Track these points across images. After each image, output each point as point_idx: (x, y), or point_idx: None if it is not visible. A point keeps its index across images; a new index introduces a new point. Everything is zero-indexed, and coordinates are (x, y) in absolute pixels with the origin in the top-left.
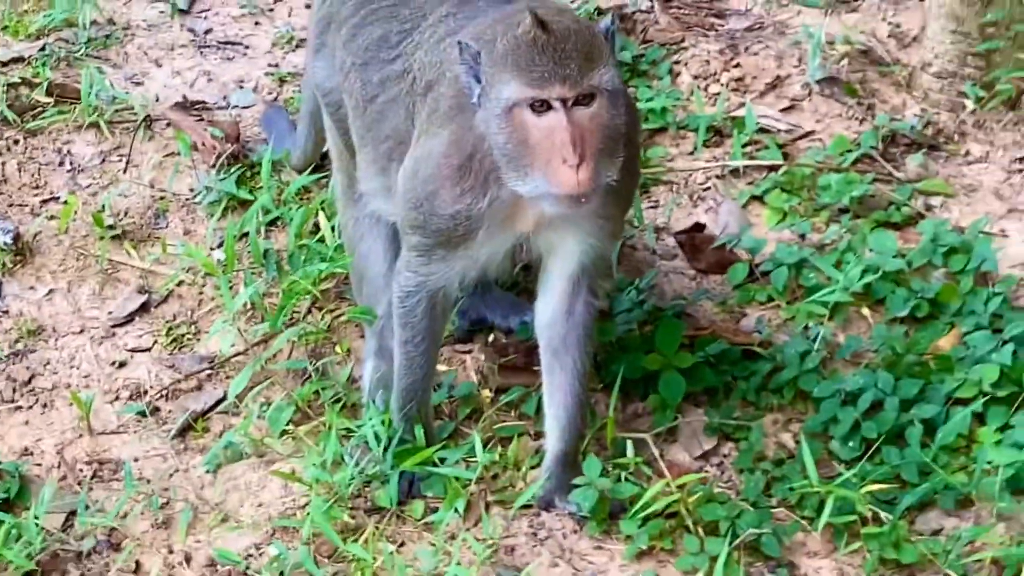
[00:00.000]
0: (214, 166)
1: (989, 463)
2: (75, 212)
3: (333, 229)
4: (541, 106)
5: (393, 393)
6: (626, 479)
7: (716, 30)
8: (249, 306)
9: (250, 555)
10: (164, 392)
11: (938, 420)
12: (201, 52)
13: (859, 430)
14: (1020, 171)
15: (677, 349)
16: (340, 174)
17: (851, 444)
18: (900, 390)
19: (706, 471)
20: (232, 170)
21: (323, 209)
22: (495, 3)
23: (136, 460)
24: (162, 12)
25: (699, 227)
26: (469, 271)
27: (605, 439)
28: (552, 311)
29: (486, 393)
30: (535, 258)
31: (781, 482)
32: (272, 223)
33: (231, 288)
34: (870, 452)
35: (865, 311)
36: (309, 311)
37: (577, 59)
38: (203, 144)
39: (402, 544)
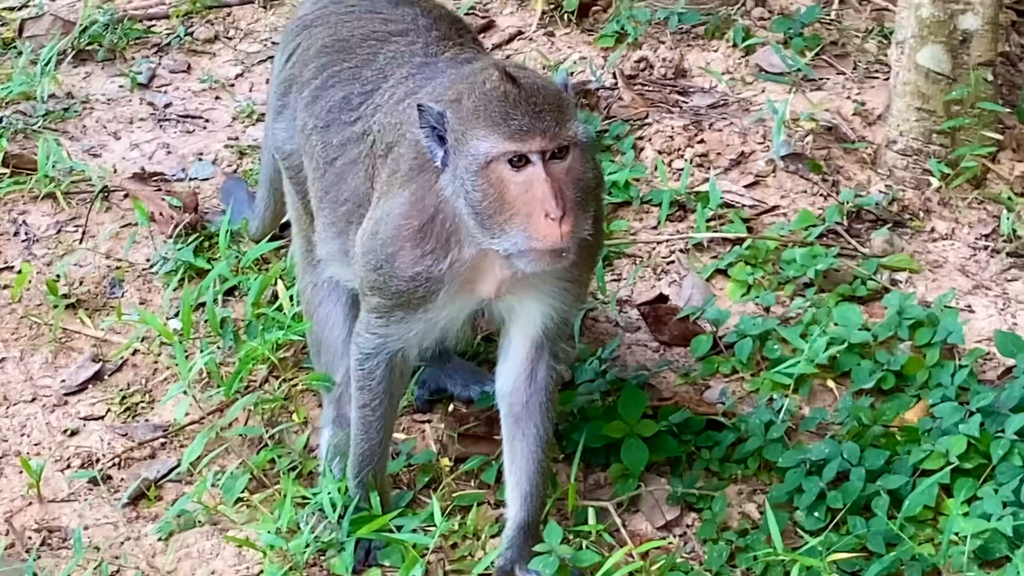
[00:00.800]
0: (171, 236)
1: (956, 534)
2: (29, 281)
3: (292, 298)
4: (519, 160)
5: (349, 458)
6: (588, 547)
7: (680, 107)
8: (205, 374)
9: None
10: (116, 460)
11: (904, 491)
12: (160, 125)
13: (824, 500)
14: (985, 248)
15: (640, 418)
16: (299, 239)
17: (816, 514)
18: (866, 460)
19: (669, 541)
20: (190, 240)
21: (281, 278)
22: (454, 64)
23: (87, 528)
24: (121, 86)
25: (662, 299)
26: (429, 334)
27: (566, 507)
28: (514, 376)
29: (445, 462)
30: (497, 324)
31: (745, 552)
32: (230, 292)
33: (187, 357)
34: (835, 522)
35: (830, 383)
36: (266, 379)
37: (552, 112)
38: (160, 214)
39: None
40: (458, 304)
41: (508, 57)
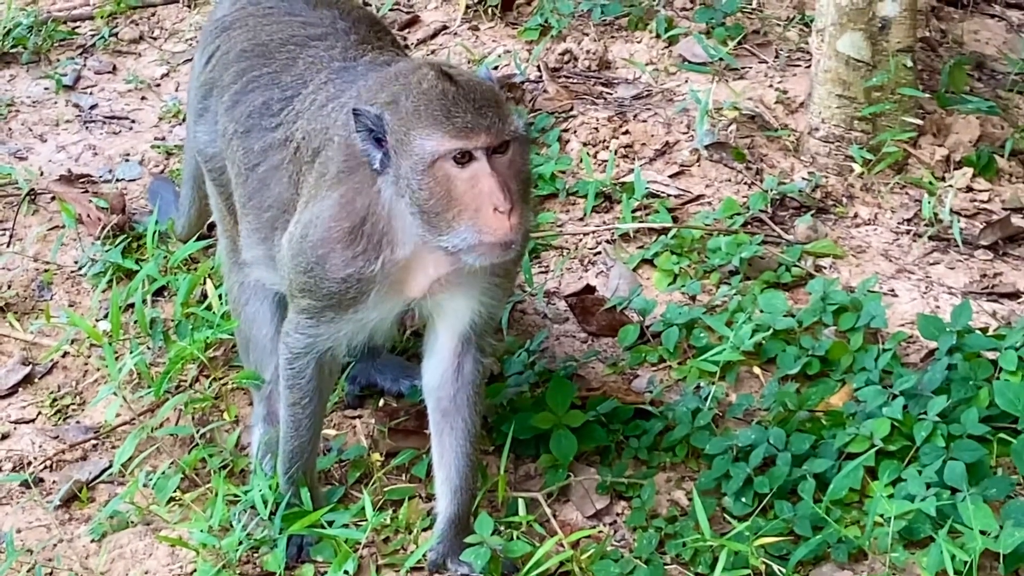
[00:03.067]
0: (99, 238)
1: (881, 515)
2: None
3: (220, 296)
4: (464, 157)
5: (279, 456)
6: (518, 538)
7: (605, 98)
8: (135, 375)
9: None
10: (48, 463)
11: (830, 474)
12: (87, 127)
13: (751, 485)
14: (908, 232)
15: (568, 408)
16: (224, 239)
17: (744, 500)
18: (792, 445)
19: (599, 530)
20: (118, 241)
21: (210, 277)
22: (373, 67)
23: (19, 531)
24: (47, 88)
25: (589, 289)
26: (358, 334)
27: (497, 499)
28: (441, 371)
29: (376, 457)
30: (424, 320)
31: (674, 539)
32: (159, 292)
33: (117, 358)
34: (763, 507)
35: (756, 370)
36: (197, 379)
37: (492, 108)
38: (88, 216)
39: None
40: (388, 304)
41: (433, 52)
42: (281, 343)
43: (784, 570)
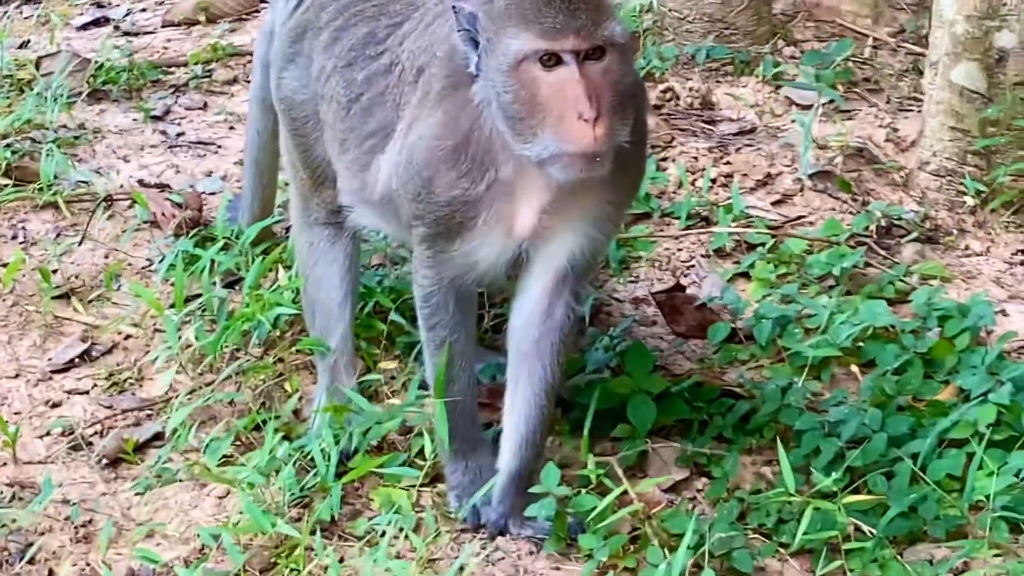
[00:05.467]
0: (173, 233)
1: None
2: (22, 274)
3: (291, 279)
4: (551, 60)
5: (442, 423)
6: (587, 493)
7: (707, 133)
8: (195, 351)
9: (174, 564)
10: (99, 427)
11: (929, 459)
12: (172, 151)
13: (843, 460)
14: (1022, 263)
15: (648, 373)
16: (297, 198)
17: (835, 474)
18: (889, 427)
19: (677, 503)
20: (191, 234)
21: (281, 263)
22: None
23: (61, 485)
24: (135, 120)
25: (679, 288)
26: (470, 271)
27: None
28: (528, 311)
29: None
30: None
31: (757, 511)
32: (231, 285)
33: (179, 335)
34: (855, 486)
35: (854, 368)
36: (261, 357)
37: (587, 10)
38: (163, 215)
39: (342, 560)
40: (497, 240)
41: None
42: (414, 285)
43: (875, 531)
